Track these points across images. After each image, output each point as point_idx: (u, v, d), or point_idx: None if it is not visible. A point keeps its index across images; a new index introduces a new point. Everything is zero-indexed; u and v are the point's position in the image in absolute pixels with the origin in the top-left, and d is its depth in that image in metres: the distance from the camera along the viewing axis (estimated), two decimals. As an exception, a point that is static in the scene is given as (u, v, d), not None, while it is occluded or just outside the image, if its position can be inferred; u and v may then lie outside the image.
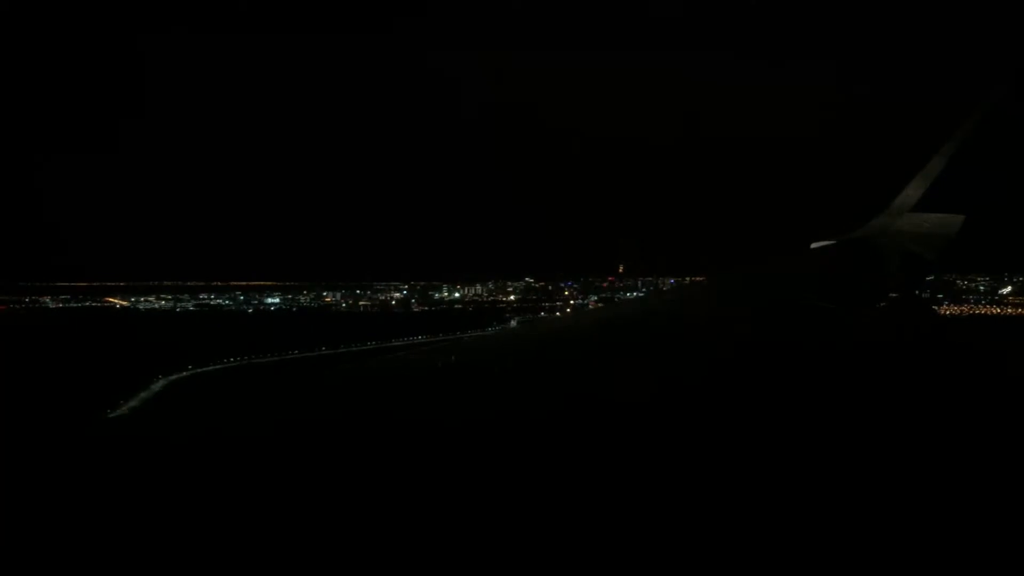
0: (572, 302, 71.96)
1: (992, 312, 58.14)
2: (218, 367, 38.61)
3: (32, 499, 2.05)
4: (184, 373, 36.67)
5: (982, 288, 61.17)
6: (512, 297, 76.62)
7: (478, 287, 78.81)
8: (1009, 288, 60.57)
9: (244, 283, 78.29)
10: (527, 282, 79.04)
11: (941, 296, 57.50)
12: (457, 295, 77.88)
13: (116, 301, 74.71)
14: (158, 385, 33.95)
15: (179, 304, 74.27)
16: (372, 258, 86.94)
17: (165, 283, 78.37)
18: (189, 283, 78.45)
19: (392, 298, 76.41)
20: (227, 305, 74.77)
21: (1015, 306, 59.01)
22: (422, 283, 78.78)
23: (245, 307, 74.27)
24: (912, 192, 8.87)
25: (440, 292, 78.35)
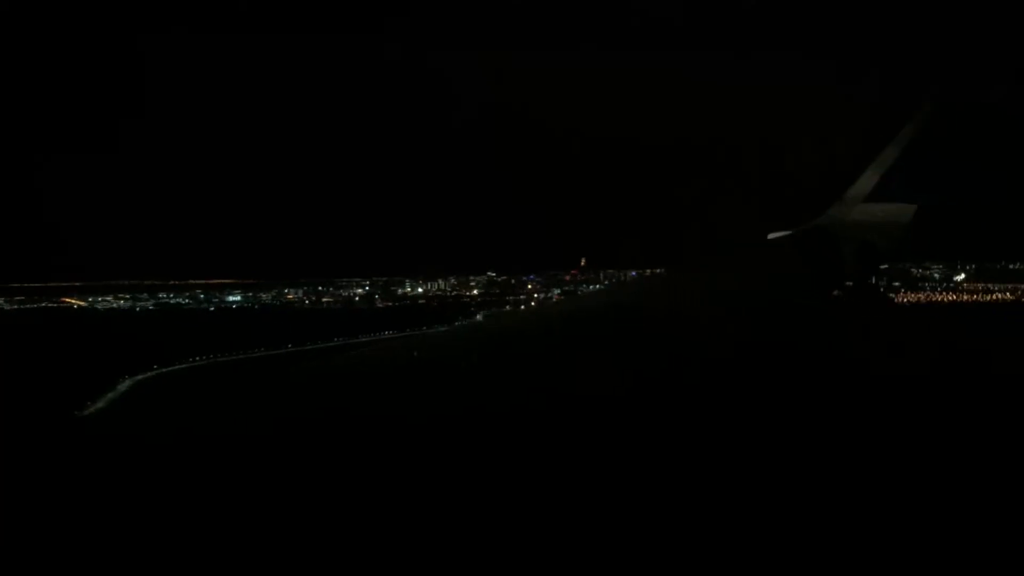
0: (536, 296, 72.25)
1: (948, 300, 59.61)
2: (184, 366, 38.33)
3: (12, 500, 2.14)
4: (150, 373, 36.35)
5: (937, 276, 62.57)
6: (475, 292, 76.68)
7: (440, 282, 78.76)
8: (963, 275, 62.03)
9: (203, 281, 77.34)
10: (490, 276, 79.11)
11: (898, 284, 58.61)
12: (420, 290, 77.77)
13: (73, 301, 73.47)
14: (124, 385, 33.62)
15: (138, 303, 73.26)
16: (333, 255, 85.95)
17: (122, 282, 77.08)
18: (147, 282, 77.22)
19: (355, 294, 76.12)
20: (187, 304, 73.91)
21: (970, 292, 60.54)
22: (384, 279, 78.51)
23: (206, 305, 73.46)
24: (865, 182, 9.16)
25: (403, 288, 78.16)
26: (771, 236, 8.82)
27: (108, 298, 74.24)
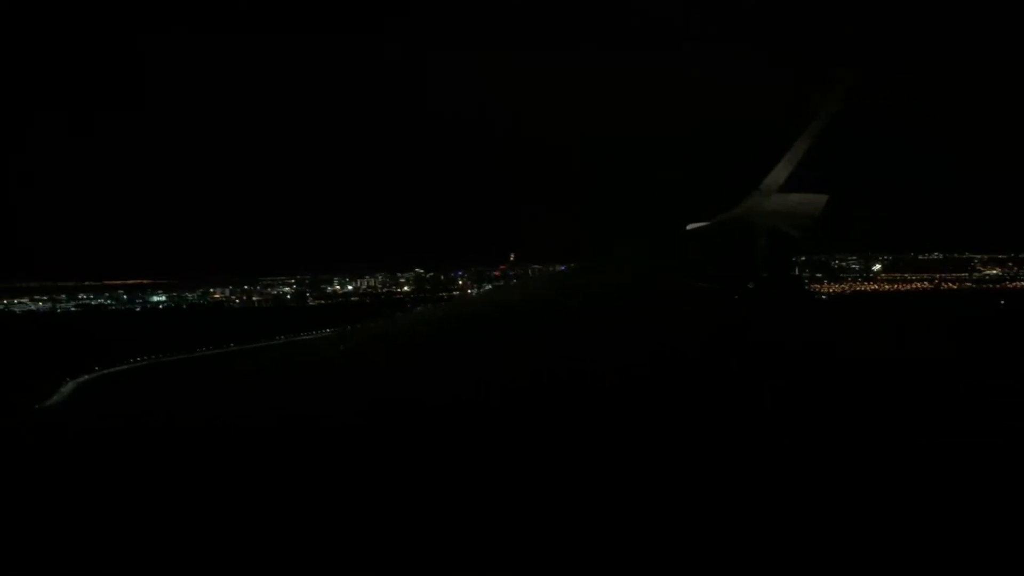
0: (469, 291, 72.53)
1: (870, 288, 61.90)
2: (125, 367, 37.49)
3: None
4: (91, 375, 35.46)
5: (855, 267, 64.80)
6: (407, 288, 76.62)
7: (368, 279, 78.44)
8: (879, 266, 64.36)
9: (120, 282, 75.14)
10: (417, 272, 79.07)
11: (820, 275, 60.51)
12: (351, 287, 77.30)
13: (-13, 304, 70.86)
14: (67, 388, 32.79)
15: (58, 305, 70.98)
16: (251, 253, 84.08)
17: (32, 284, 74.45)
18: (59, 283, 74.69)
19: (284, 293, 75.25)
20: (110, 305, 71.91)
21: (889, 282, 62.87)
22: (308, 277, 77.70)
23: (131, 306, 71.61)
24: (779, 173, 9.25)
25: (331, 285, 77.55)
26: (690, 227, 9.01)
27: (24, 300, 71.72)
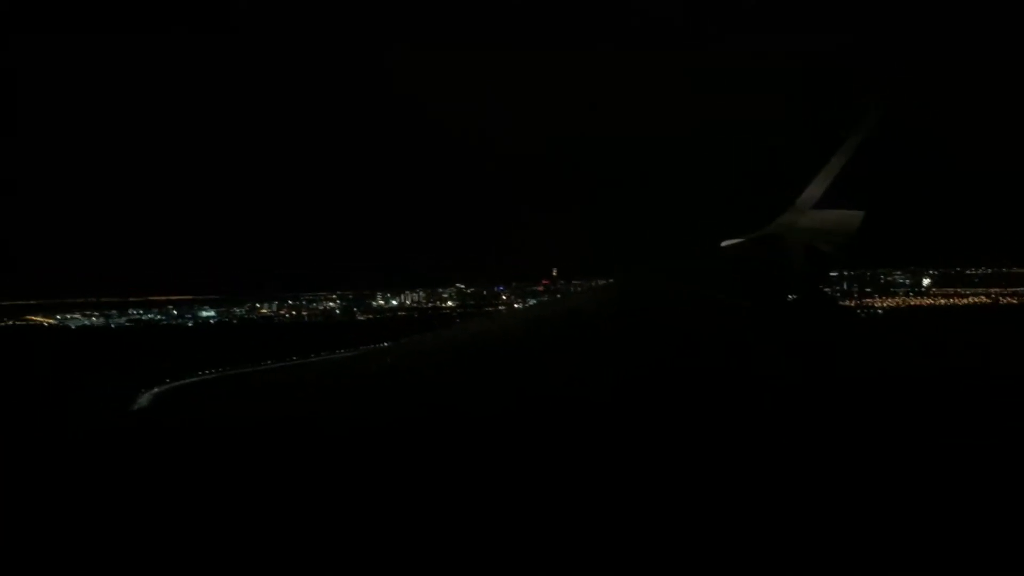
0: (515, 305, 72.97)
1: (926, 303, 60.35)
2: (196, 379, 38.20)
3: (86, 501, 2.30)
4: (165, 386, 36.19)
5: (901, 281, 63.81)
6: (450, 303, 77.27)
7: (410, 294, 79.13)
8: (928, 280, 63.23)
9: (163, 298, 76.26)
10: (458, 288, 79.72)
11: (869, 290, 59.91)
12: (395, 303, 77.99)
13: (41, 319, 71.90)
14: (144, 399, 33.51)
15: (111, 320, 72.21)
16: (291, 269, 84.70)
17: (79, 300, 75.72)
18: (104, 299, 75.93)
19: (330, 308, 76.07)
20: (161, 320, 73.05)
21: (944, 296, 61.56)
22: (351, 293, 78.48)
23: (182, 321, 72.73)
24: (814, 189, 9.21)
25: (376, 300, 78.28)
26: (724, 244, 8.95)
27: (76, 315, 72.96)
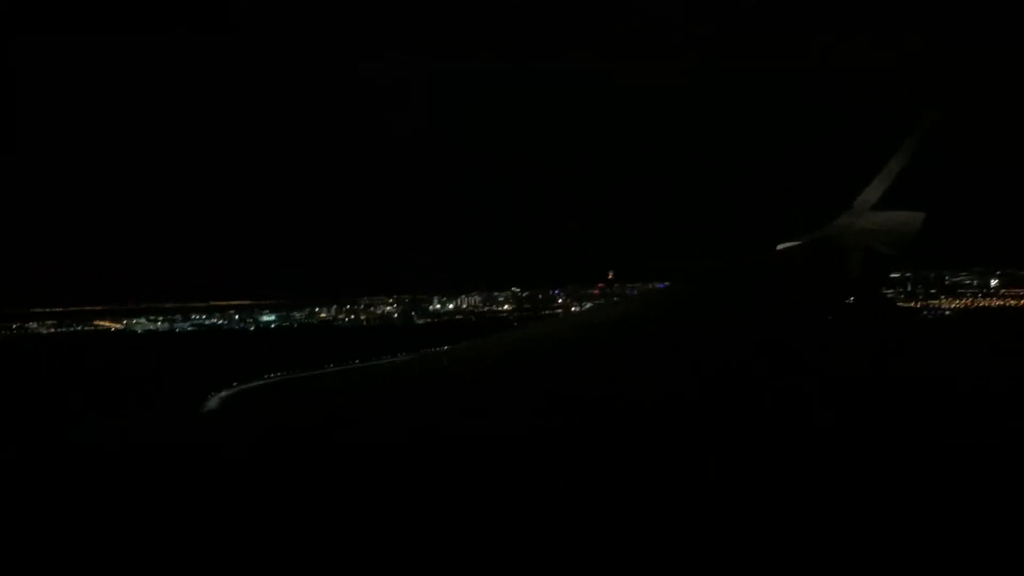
0: (573, 308, 72.93)
1: (996, 304, 58.69)
2: (261, 383, 38.88)
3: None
4: (232, 389, 36.88)
5: (968, 282, 62.36)
6: (506, 307, 77.46)
7: (466, 298, 79.46)
8: (996, 280, 61.68)
9: (223, 303, 77.48)
10: (514, 292, 79.82)
11: (935, 291, 58.68)
12: (451, 306, 78.38)
13: (109, 324, 73.79)
14: (212, 401, 34.19)
15: (176, 325, 73.83)
16: (342, 274, 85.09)
17: (141, 306, 77.32)
18: (166, 304, 77.44)
19: (388, 312, 76.76)
20: (223, 324, 74.47)
21: (1015, 297, 59.76)
22: (408, 296, 79.00)
23: (243, 325, 74.05)
24: (872, 191, 9.22)
25: (432, 304, 78.74)
26: (781, 247, 8.89)
27: (142, 319, 74.73)
